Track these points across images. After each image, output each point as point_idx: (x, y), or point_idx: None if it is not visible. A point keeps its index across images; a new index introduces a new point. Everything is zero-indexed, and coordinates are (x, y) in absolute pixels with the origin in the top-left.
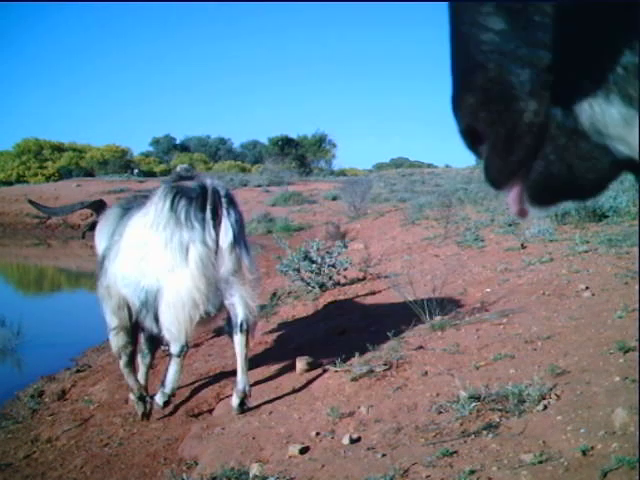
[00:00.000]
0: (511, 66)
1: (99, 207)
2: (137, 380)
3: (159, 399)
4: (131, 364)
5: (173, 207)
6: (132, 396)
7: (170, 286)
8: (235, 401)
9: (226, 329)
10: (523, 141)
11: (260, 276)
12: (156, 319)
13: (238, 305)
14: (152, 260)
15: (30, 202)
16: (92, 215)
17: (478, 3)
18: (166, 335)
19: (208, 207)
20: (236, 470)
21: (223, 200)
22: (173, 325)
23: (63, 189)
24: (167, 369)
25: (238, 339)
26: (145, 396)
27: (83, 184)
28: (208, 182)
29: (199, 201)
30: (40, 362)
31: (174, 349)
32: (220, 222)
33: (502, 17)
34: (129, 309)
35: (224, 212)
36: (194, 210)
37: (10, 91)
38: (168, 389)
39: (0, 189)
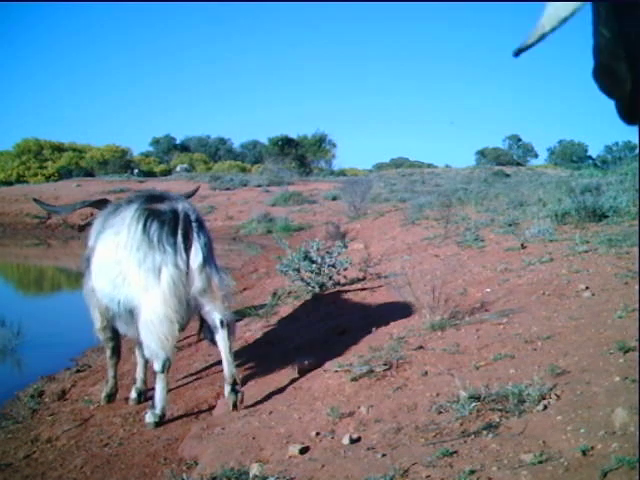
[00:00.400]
0: (614, 61)
1: (103, 206)
2: (115, 376)
3: (149, 418)
4: (114, 357)
5: (146, 230)
6: (105, 388)
7: (145, 305)
8: (227, 388)
9: (208, 337)
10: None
11: (231, 290)
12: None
13: (213, 311)
14: (126, 278)
15: (35, 200)
16: (92, 215)
17: (597, 21)
18: (146, 352)
19: (179, 232)
20: (236, 470)
21: (194, 225)
22: (152, 342)
23: (63, 189)
24: (154, 388)
25: (220, 334)
26: (111, 395)
27: (83, 184)
28: (179, 207)
29: (171, 225)
30: (40, 362)
31: (156, 366)
32: (191, 245)
33: (608, 29)
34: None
35: (194, 236)
36: (166, 234)
37: (10, 91)
38: (158, 409)
39: (0, 189)
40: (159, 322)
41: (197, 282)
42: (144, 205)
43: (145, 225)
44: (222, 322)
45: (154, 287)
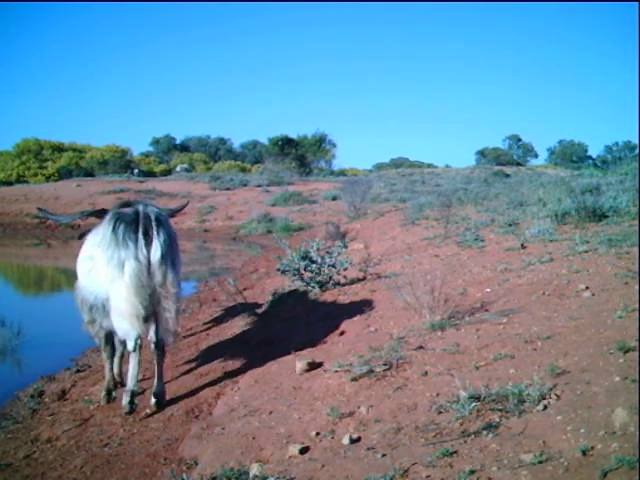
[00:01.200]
0: None
1: (102, 215)
2: (111, 370)
3: (125, 401)
4: (107, 350)
5: (114, 230)
6: (103, 384)
7: (113, 295)
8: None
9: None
10: None
11: (180, 293)
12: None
13: (159, 321)
14: (98, 272)
15: (39, 209)
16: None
17: None
18: (119, 334)
19: (140, 229)
20: (236, 470)
21: (153, 224)
22: (122, 323)
23: (63, 189)
24: (127, 368)
25: (153, 354)
26: (110, 391)
27: (83, 184)
28: (140, 208)
29: (133, 224)
30: (40, 362)
31: (129, 345)
32: (151, 242)
33: None
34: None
35: (154, 233)
36: (128, 232)
37: (10, 91)
38: (130, 385)
39: (0, 189)
40: (125, 306)
41: (156, 275)
42: (115, 210)
43: (114, 226)
44: (157, 344)
45: (119, 279)
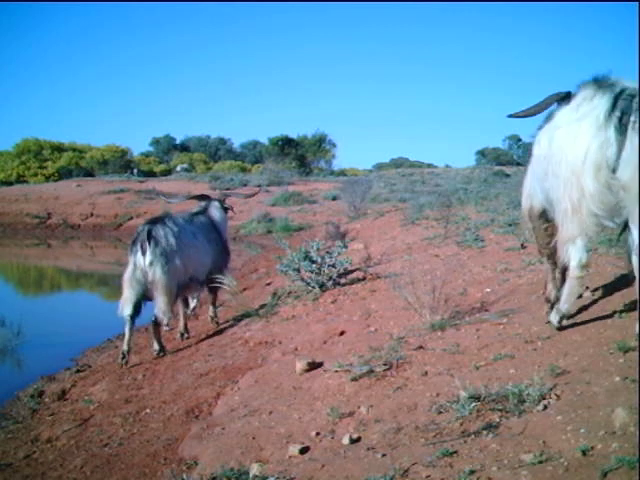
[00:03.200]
0: None
1: (202, 200)
2: (184, 317)
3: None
4: (183, 306)
5: (133, 241)
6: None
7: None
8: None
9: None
10: None
11: (171, 285)
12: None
13: (155, 304)
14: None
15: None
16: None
17: None
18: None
19: (138, 243)
20: (236, 470)
21: (151, 239)
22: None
23: (63, 189)
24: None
25: (151, 325)
26: (182, 334)
27: (83, 184)
28: (139, 228)
29: (136, 239)
30: (40, 362)
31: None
32: (145, 251)
33: None
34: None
35: (146, 246)
36: (133, 244)
37: (10, 91)
38: (125, 348)
39: (0, 189)
40: (123, 297)
41: (148, 275)
42: (141, 227)
43: (132, 239)
44: (155, 319)
45: (127, 273)
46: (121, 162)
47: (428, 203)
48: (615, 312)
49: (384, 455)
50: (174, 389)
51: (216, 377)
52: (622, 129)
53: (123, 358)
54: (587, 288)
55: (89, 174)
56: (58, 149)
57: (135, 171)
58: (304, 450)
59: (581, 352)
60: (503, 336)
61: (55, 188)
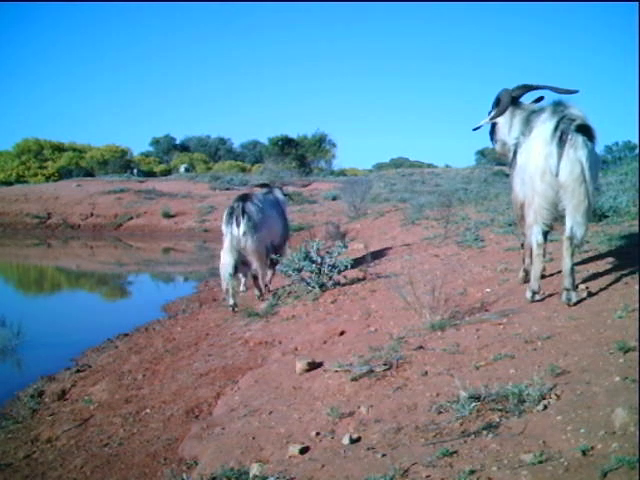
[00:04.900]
0: None
1: (264, 187)
2: (265, 282)
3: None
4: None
5: (226, 215)
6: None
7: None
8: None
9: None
10: None
11: (262, 251)
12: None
13: (249, 267)
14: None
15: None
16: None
17: None
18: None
19: (234, 216)
20: (236, 470)
21: (244, 213)
22: (221, 271)
23: (63, 189)
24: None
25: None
26: (261, 294)
27: (83, 184)
28: (234, 204)
29: (232, 214)
30: (40, 362)
31: (224, 280)
32: (239, 224)
33: None
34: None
35: (241, 219)
36: (229, 218)
37: (10, 91)
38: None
39: (0, 189)
40: (223, 262)
41: (241, 242)
42: (230, 204)
43: (228, 213)
44: (254, 277)
45: (225, 241)
46: (121, 162)
47: (428, 203)
48: (615, 312)
49: (384, 455)
50: (174, 389)
51: (216, 377)
52: (561, 144)
53: (233, 309)
54: (587, 288)
55: (89, 174)
56: (58, 149)
57: (135, 171)
58: (304, 450)
59: (581, 352)
60: (503, 336)
61: (55, 188)
